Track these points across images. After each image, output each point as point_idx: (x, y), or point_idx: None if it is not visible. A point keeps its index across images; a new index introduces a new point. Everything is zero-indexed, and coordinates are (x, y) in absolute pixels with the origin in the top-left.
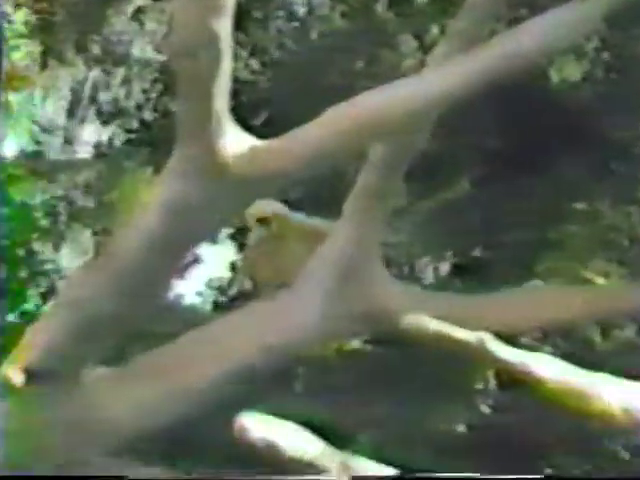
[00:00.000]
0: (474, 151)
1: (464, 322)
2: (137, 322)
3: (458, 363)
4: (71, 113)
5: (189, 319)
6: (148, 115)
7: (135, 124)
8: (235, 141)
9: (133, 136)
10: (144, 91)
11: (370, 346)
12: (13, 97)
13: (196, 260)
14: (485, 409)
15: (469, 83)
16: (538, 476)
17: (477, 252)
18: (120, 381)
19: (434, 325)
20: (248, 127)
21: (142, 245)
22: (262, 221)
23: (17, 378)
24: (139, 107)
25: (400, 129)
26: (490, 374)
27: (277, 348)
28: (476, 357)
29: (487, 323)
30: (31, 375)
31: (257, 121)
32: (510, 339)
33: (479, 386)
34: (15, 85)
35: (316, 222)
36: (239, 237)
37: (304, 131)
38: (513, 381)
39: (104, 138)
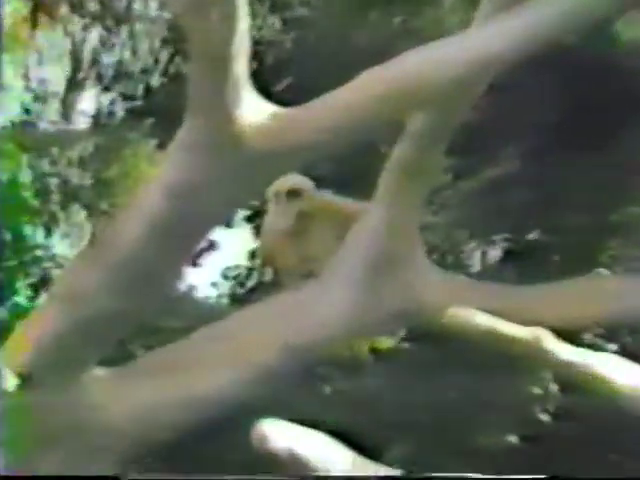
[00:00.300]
0: (525, 122)
1: (517, 317)
2: (142, 317)
3: (511, 364)
4: (68, 78)
5: (202, 313)
6: (155, 80)
7: (139, 90)
8: (254, 110)
9: (137, 104)
10: (152, 52)
11: (408, 344)
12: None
13: (210, 247)
14: (543, 416)
15: (522, 43)
16: (538, 476)
17: (532, 236)
18: (123, 383)
19: (482, 320)
20: (269, 94)
21: (147, 230)
22: (293, 194)
23: (10, 382)
24: (145, 71)
25: (443, 96)
26: (548, 376)
27: (302, 347)
28: (531, 357)
29: (544, 318)
30: (25, 378)
31: (279, 87)
32: (570, 336)
33: (536, 390)
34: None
35: (346, 202)
36: (258, 220)
37: (332, 98)
38: (574, 384)
39: (104, 107)
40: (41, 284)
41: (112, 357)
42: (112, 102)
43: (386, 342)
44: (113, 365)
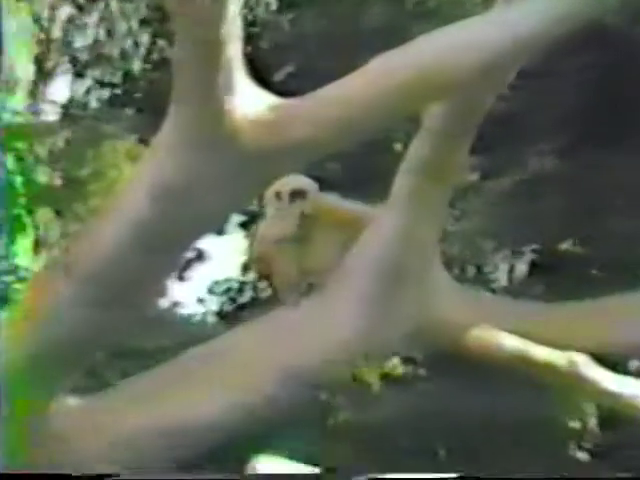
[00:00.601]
0: (560, 114)
1: (550, 339)
2: (121, 337)
3: (543, 394)
4: (36, 63)
5: (188, 333)
6: (135, 66)
7: (118, 77)
8: (250, 100)
9: (115, 93)
10: (130, 33)
11: (425, 370)
12: None
13: (199, 257)
14: (581, 455)
15: (555, 23)
16: (538, 476)
17: (565, 246)
18: (99, 412)
19: (509, 343)
20: (266, 82)
21: (127, 238)
22: (296, 196)
23: None
24: (124, 55)
25: (465, 85)
26: (587, 408)
27: (302, 371)
28: (567, 386)
29: (581, 341)
30: None
31: (279, 75)
32: (613, 363)
33: (572, 424)
34: None
35: (355, 206)
36: (253, 226)
37: (340, 87)
38: (617, 418)
39: (77, 96)
40: (1, 301)
41: (86, 385)
42: (87, 90)
43: (399, 367)
44: (87, 394)
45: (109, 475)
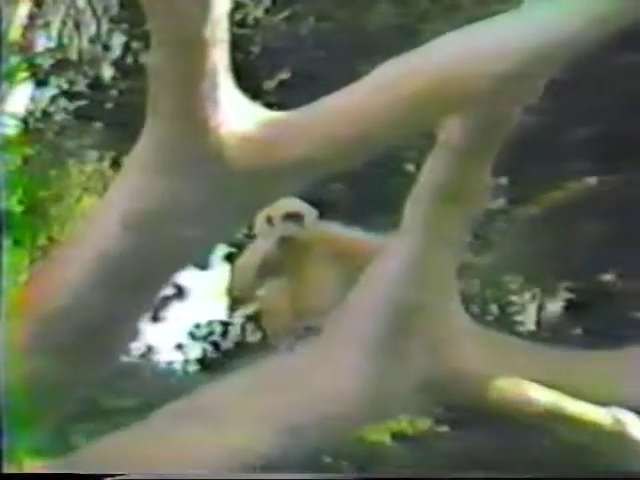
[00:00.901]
0: (601, 129)
1: (589, 393)
2: (84, 392)
3: (581, 457)
4: None
5: (164, 385)
6: (106, 72)
7: (84, 85)
8: (238, 114)
9: (81, 104)
10: (99, 36)
11: (447, 428)
12: None
13: (177, 295)
14: None
15: (598, 22)
16: (538, 476)
17: (605, 281)
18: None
19: (541, 397)
20: (257, 92)
21: (94, 273)
22: (291, 220)
23: None
24: (91, 60)
25: (488, 95)
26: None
27: (300, 429)
28: (611, 448)
29: (625, 395)
30: None
31: (270, 83)
32: None
33: None
34: None
35: (359, 235)
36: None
37: (341, 98)
38: None
39: (38, 107)
40: None
41: (49, 447)
42: (50, 101)
43: (415, 425)
44: (49, 457)
45: (109, 475)
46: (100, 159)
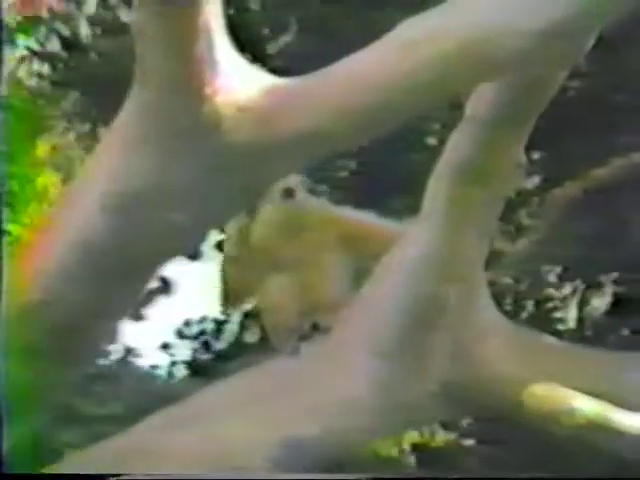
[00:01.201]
0: None
1: (638, 402)
2: (58, 399)
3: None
4: None
5: (149, 391)
6: (83, 29)
7: (56, 45)
8: (237, 81)
9: (55, 68)
10: None
11: (472, 440)
12: None
13: (163, 288)
14: None
15: None
16: (538, 476)
17: None
18: None
19: (583, 405)
20: (260, 57)
21: (70, 264)
22: (288, 194)
23: None
24: (66, 17)
25: (526, 58)
26: None
27: (305, 442)
28: None
29: None
30: None
31: (274, 46)
32: None
33: None
34: None
35: (374, 220)
36: None
37: (354, 63)
38: None
39: (4, 72)
40: None
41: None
42: (16, 64)
43: (437, 436)
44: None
45: (109, 475)
46: (66, 131)
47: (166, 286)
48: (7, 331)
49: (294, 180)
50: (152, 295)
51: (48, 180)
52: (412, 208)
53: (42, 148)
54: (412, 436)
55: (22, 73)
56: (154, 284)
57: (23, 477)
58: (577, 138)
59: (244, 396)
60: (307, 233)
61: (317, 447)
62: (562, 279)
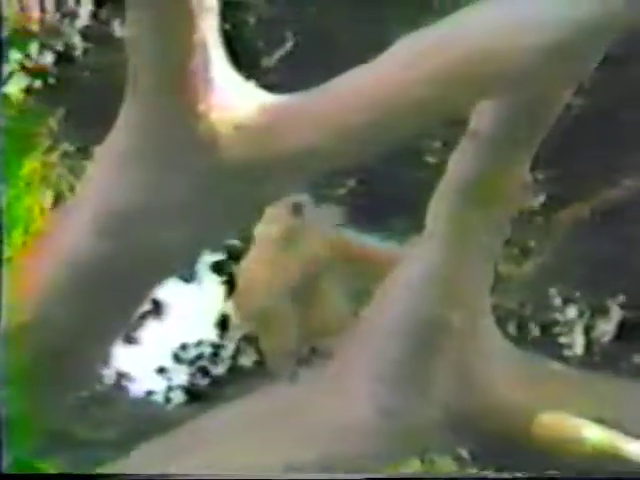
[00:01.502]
0: None
1: None
2: (50, 422)
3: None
4: None
5: (143, 418)
6: (76, 40)
7: (47, 59)
8: (233, 97)
9: (41, 82)
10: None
11: (475, 469)
12: None
13: (156, 311)
14: None
15: None
16: (538, 476)
17: None
18: None
19: (594, 435)
20: (256, 70)
21: (56, 287)
22: (297, 210)
23: None
24: (55, 29)
25: (528, 72)
26: None
27: (308, 469)
28: None
29: None
30: None
31: (270, 60)
32: None
33: None
34: None
35: (374, 243)
36: (232, 268)
37: (353, 78)
38: None
39: None
40: None
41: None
42: (3, 79)
43: (442, 465)
44: None
45: (109, 475)
46: (50, 150)
47: (158, 309)
48: None
49: (302, 196)
50: (145, 318)
51: (35, 199)
52: (413, 228)
53: (29, 166)
54: (414, 464)
55: (11, 88)
56: (146, 307)
57: (23, 477)
58: (585, 157)
59: (245, 422)
60: (308, 253)
61: (318, 473)
62: (568, 303)
